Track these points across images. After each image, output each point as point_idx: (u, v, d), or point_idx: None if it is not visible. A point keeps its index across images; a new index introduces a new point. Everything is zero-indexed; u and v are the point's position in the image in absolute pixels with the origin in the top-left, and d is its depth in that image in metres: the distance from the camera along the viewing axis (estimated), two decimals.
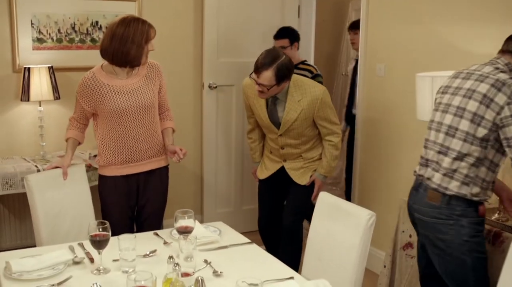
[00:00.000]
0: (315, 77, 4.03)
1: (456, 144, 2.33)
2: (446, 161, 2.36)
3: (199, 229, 2.48)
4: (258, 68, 3.06)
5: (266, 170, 3.52)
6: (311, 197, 3.42)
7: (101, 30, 4.07)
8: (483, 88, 2.29)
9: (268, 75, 3.04)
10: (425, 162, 2.49)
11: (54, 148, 4.01)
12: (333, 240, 2.33)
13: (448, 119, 2.40)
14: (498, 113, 2.23)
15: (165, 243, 2.44)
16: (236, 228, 2.68)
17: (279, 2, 4.54)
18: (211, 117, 4.43)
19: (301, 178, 3.40)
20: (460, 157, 2.32)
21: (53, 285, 2.00)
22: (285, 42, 4.15)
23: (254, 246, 2.44)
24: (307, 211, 3.27)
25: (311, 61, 4.92)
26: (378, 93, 4.03)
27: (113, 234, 2.17)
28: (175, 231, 2.50)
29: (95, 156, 3.79)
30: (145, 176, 2.97)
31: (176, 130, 3.19)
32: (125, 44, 2.76)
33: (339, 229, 2.32)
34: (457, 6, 3.37)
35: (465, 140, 2.31)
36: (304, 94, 3.21)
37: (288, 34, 4.18)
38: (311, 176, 3.40)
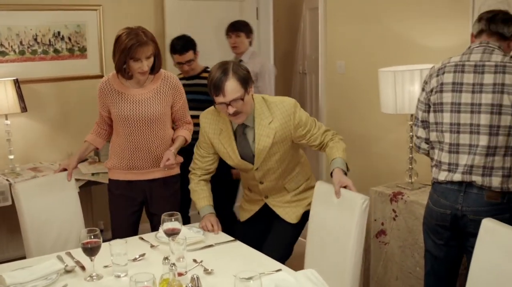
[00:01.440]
0: None
1: (502, 141, 2.37)
2: (497, 161, 2.39)
3: (183, 231, 2.55)
4: (219, 86, 2.54)
5: (245, 212, 3.00)
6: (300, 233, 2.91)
7: (64, 40, 4.08)
8: (510, 79, 2.33)
9: (233, 85, 2.54)
10: (469, 169, 2.43)
11: (23, 161, 3.99)
12: (332, 226, 2.46)
13: (485, 119, 2.39)
14: None
15: (152, 246, 2.50)
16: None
17: (237, 6, 4.66)
18: None
19: (289, 213, 2.84)
20: (509, 153, 2.38)
21: None
22: (190, 55, 3.84)
23: (238, 243, 2.53)
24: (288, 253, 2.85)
25: (270, 61, 5.04)
26: (339, 90, 4.18)
27: (113, 237, 2.21)
28: (160, 234, 2.57)
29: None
30: (149, 184, 2.98)
31: None
32: (114, 54, 2.82)
33: (336, 215, 2.46)
34: (411, 4, 3.54)
35: (508, 135, 2.36)
36: (273, 113, 2.68)
37: (192, 46, 3.86)
38: (304, 213, 2.82)
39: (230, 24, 4.27)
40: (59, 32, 4.06)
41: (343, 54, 4.10)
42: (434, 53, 3.32)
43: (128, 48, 2.72)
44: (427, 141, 2.62)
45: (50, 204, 2.86)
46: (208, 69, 3.84)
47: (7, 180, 3.59)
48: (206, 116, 2.81)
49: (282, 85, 6.27)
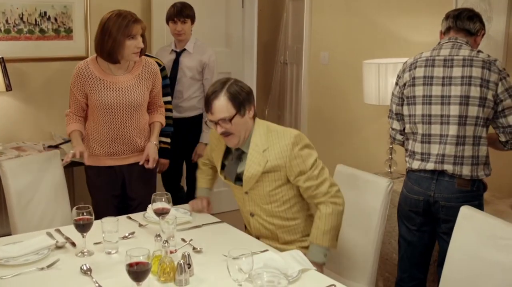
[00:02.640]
0: (162, 70, 3.47)
1: (470, 131, 2.52)
2: (467, 150, 2.53)
3: (171, 212, 2.61)
4: (208, 102, 2.39)
5: None
6: None
7: (50, 21, 4.07)
8: (477, 72, 2.50)
9: (222, 104, 2.36)
10: (441, 158, 2.56)
11: (6, 140, 3.98)
12: (356, 207, 2.61)
13: (454, 110, 2.53)
14: (495, 91, 2.49)
15: (140, 225, 2.55)
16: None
17: None
18: None
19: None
20: (476, 142, 2.54)
21: (42, 268, 2.08)
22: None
23: (225, 224, 2.60)
24: None
25: (253, 49, 5.08)
26: (322, 80, 4.26)
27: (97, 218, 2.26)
28: (148, 214, 2.63)
29: (49, 146, 3.82)
30: (128, 169, 3.02)
31: None
32: (104, 37, 2.79)
33: (358, 197, 2.61)
34: None
35: (475, 125, 2.52)
36: (271, 142, 2.45)
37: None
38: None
39: (176, 8, 3.87)
40: (45, 12, 4.04)
41: (327, 45, 4.18)
42: (418, 47, 3.41)
43: (125, 26, 2.76)
44: (401, 132, 2.77)
45: (37, 183, 2.89)
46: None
47: None
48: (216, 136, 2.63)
49: (263, 75, 6.33)
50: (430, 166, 2.59)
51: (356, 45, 3.95)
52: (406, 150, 2.75)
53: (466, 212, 2.22)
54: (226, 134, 2.42)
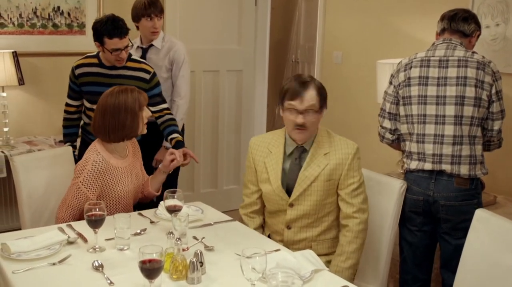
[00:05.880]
0: (154, 76, 3.21)
1: (466, 131, 2.55)
2: (465, 149, 2.56)
3: (183, 209, 2.60)
4: (299, 91, 2.40)
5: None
6: None
7: (63, 15, 4.07)
8: (472, 72, 2.53)
9: (312, 93, 2.41)
10: (439, 158, 2.58)
11: (17, 134, 4.00)
12: (369, 208, 2.58)
13: (449, 110, 2.56)
14: (490, 91, 2.52)
15: (151, 222, 2.54)
16: (216, 207, 2.81)
17: None
18: None
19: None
20: (472, 141, 2.56)
21: (54, 263, 2.08)
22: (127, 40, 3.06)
23: (237, 223, 2.58)
24: None
25: (265, 48, 5.07)
26: (335, 80, 4.24)
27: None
28: (159, 211, 2.62)
29: (60, 141, 3.82)
30: None
31: None
32: (118, 115, 2.57)
33: (372, 197, 2.59)
34: None
35: (471, 124, 2.54)
36: (333, 147, 2.48)
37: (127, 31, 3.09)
38: None
39: (150, 3, 3.49)
40: (58, 7, 4.05)
41: (341, 44, 4.16)
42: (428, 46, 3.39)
43: (137, 98, 2.62)
44: (391, 131, 2.78)
45: (48, 178, 2.87)
46: (134, 58, 3.23)
47: (2, 152, 3.59)
48: (257, 138, 2.65)
49: (275, 73, 6.32)
50: (428, 166, 2.61)
51: (369, 44, 3.92)
52: (403, 151, 2.77)
53: (481, 215, 2.19)
54: (303, 127, 2.43)
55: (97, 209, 2.20)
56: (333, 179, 2.45)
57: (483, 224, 2.17)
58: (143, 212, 2.68)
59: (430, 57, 2.63)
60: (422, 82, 2.62)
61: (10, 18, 3.89)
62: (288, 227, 2.52)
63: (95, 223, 2.20)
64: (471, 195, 2.60)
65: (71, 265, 2.09)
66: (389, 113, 2.76)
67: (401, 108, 2.70)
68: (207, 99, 4.69)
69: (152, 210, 2.68)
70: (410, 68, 2.66)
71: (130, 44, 3.10)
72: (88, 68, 3.13)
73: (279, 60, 6.51)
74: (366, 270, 2.63)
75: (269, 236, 2.59)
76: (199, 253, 2.02)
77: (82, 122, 3.32)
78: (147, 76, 3.15)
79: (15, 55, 3.76)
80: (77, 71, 3.15)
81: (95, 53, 3.17)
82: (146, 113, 2.67)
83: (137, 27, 3.59)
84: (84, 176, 2.53)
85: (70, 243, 2.27)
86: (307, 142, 2.50)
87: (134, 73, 3.14)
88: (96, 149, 2.59)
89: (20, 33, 3.94)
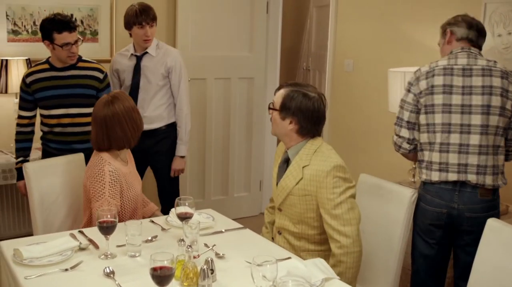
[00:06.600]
0: (106, 76, 3.29)
1: (491, 140, 2.53)
2: (489, 159, 2.54)
3: (194, 216, 2.60)
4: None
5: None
6: None
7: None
8: (497, 81, 2.51)
9: (278, 93, 2.52)
10: (464, 168, 2.54)
11: None
12: (379, 217, 2.60)
13: (476, 119, 2.52)
14: None
15: (163, 229, 2.55)
16: (227, 214, 2.82)
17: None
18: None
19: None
20: (495, 151, 2.55)
21: (66, 269, 2.09)
22: (76, 35, 3.14)
23: (248, 230, 2.59)
24: None
25: (277, 55, 5.08)
26: (346, 88, 4.24)
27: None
28: (170, 218, 2.63)
29: None
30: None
31: None
32: (121, 123, 2.60)
33: (381, 206, 2.60)
34: (424, 6, 3.61)
35: (495, 134, 2.53)
36: (313, 161, 2.42)
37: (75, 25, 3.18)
38: None
39: (141, 11, 3.45)
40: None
41: (352, 52, 4.16)
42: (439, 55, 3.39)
43: (132, 107, 2.67)
44: (409, 141, 2.72)
45: (60, 185, 2.90)
46: (84, 58, 3.26)
47: (15, 158, 3.61)
48: (279, 148, 2.67)
49: (286, 81, 6.31)
50: (452, 176, 2.56)
51: (381, 53, 3.92)
52: (421, 161, 2.68)
53: (493, 225, 2.18)
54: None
55: (108, 216, 2.22)
56: (309, 194, 2.41)
57: (495, 234, 2.15)
58: (154, 219, 2.69)
59: (453, 65, 2.58)
60: (446, 91, 2.56)
61: (24, 26, 3.94)
62: (279, 233, 2.58)
63: (107, 229, 2.21)
64: (493, 205, 2.58)
65: (83, 271, 2.10)
66: (407, 122, 2.69)
67: (422, 117, 2.64)
68: (218, 106, 4.71)
69: (163, 217, 2.69)
70: (433, 76, 2.60)
71: (81, 39, 3.17)
72: (40, 74, 3.17)
73: (290, 68, 6.52)
74: (375, 280, 2.62)
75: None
76: (210, 261, 2.02)
77: (41, 133, 3.31)
78: (100, 75, 3.23)
79: (29, 62, 3.79)
80: (28, 79, 3.17)
81: (44, 60, 3.24)
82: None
83: (130, 35, 3.58)
84: (108, 189, 2.54)
85: (81, 249, 2.29)
86: (292, 152, 2.49)
87: (88, 72, 3.19)
88: (105, 160, 2.59)
89: (34, 41, 3.98)
